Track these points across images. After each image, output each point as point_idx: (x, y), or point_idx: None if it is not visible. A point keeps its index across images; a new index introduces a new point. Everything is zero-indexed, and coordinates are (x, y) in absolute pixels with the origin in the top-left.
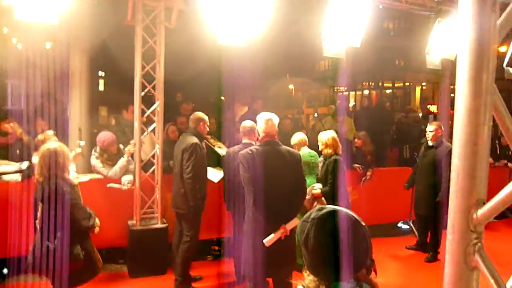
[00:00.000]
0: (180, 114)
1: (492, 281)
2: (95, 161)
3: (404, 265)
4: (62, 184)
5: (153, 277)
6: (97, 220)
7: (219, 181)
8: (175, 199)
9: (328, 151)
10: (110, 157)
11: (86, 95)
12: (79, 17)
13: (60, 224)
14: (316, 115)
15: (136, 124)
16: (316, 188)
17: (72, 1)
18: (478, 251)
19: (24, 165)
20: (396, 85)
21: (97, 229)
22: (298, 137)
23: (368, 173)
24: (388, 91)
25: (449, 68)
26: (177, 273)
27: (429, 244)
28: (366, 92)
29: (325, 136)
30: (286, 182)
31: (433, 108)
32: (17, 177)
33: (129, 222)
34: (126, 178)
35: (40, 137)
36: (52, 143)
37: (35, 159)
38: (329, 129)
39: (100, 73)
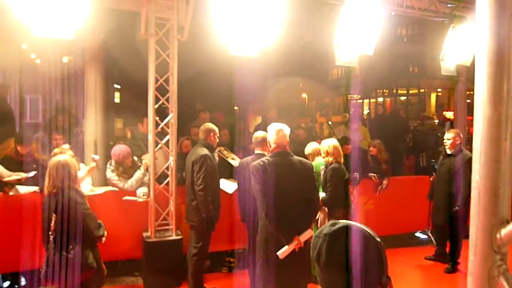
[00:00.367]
0: (194, 125)
1: None
2: (110, 174)
3: (423, 277)
4: (75, 195)
5: None
6: (105, 231)
7: (233, 192)
8: (187, 211)
9: (329, 159)
10: (126, 170)
11: (101, 108)
12: (94, 31)
13: (74, 234)
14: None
15: (150, 137)
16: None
17: (87, 17)
18: (503, 273)
19: (31, 174)
20: (410, 92)
21: (104, 239)
22: (312, 147)
23: (384, 182)
24: (402, 98)
25: (464, 74)
26: (190, 286)
27: (449, 254)
28: (380, 99)
29: (326, 144)
30: (299, 192)
31: (449, 114)
32: (33, 188)
33: (144, 234)
34: (141, 190)
35: (56, 150)
36: (62, 155)
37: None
38: (342, 138)
39: (116, 86)
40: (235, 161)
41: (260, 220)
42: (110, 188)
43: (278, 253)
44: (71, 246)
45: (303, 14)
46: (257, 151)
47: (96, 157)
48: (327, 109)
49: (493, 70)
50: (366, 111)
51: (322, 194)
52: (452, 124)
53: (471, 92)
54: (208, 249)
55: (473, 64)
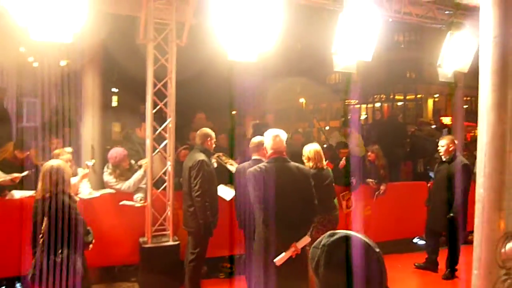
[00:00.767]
0: (193, 129)
1: None
2: (108, 177)
3: (421, 283)
4: (68, 200)
5: None
6: (93, 238)
7: (231, 199)
8: (185, 217)
9: (310, 164)
10: (123, 173)
11: (99, 111)
12: (92, 35)
13: (64, 239)
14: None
15: (148, 142)
16: None
17: (85, 21)
18: None
19: (24, 173)
20: (407, 97)
21: (91, 246)
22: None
23: (382, 188)
24: (399, 103)
25: (462, 80)
26: None
27: (447, 260)
28: (377, 105)
29: (307, 149)
30: (296, 199)
31: (446, 120)
32: (29, 193)
33: (141, 240)
34: (139, 195)
35: (56, 151)
36: (56, 160)
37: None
38: (339, 143)
39: (114, 90)
40: (233, 166)
41: (257, 226)
42: (107, 190)
43: (275, 259)
44: (59, 251)
45: (301, 20)
46: (254, 156)
47: (90, 163)
48: (324, 114)
49: (497, 82)
50: (363, 116)
51: None
52: (449, 130)
53: (468, 98)
54: (205, 255)
55: (470, 70)
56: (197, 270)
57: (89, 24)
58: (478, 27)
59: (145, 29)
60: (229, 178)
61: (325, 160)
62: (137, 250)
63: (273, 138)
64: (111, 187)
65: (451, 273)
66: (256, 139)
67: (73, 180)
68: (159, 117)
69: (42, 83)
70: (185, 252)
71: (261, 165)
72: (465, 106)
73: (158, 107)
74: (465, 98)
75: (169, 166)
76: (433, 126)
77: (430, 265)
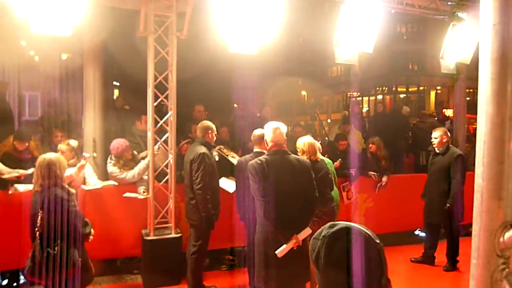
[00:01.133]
0: (194, 122)
1: None
2: (112, 168)
3: (422, 275)
4: (61, 192)
5: None
6: (92, 230)
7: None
8: (187, 210)
9: (304, 157)
10: (126, 163)
11: (100, 105)
12: (93, 28)
13: (60, 231)
14: (329, 121)
15: (149, 134)
16: None
17: (85, 13)
18: (506, 277)
19: (30, 171)
20: (410, 89)
21: (91, 238)
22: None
23: (384, 180)
24: (402, 95)
25: (464, 71)
26: (190, 284)
27: (447, 252)
28: (379, 97)
29: (302, 142)
30: (297, 191)
31: (448, 112)
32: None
33: (143, 232)
34: (142, 187)
35: (61, 146)
36: (50, 153)
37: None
38: (338, 134)
39: (115, 83)
40: (235, 159)
41: (258, 219)
42: (110, 182)
43: (277, 251)
44: (55, 243)
45: (303, 11)
46: (255, 149)
47: (87, 155)
48: (326, 107)
49: (497, 70)
50: (365, 109)
51: None
52: (452, 122)
53: (471, 90)
54: (207, 247)
55: (472, 62)
56: (199, 262)
57: (90, 17)
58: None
59: (145, 21)
60: (231, 171)
61: (323, 154)
62: (139, 242)
63: (273, 130)
64: (115, 177)
65: (452, 264)
66: (257, 132)
67: (70, 172)
68: (157, 111)
69: (43, 77)
70: (187, 245)
71: (261, 157)
72: (467, 98)
73: (159, 100)
74: (467, 90)
75: (171, 158)
76: (436, 118)
77: (427, 260)
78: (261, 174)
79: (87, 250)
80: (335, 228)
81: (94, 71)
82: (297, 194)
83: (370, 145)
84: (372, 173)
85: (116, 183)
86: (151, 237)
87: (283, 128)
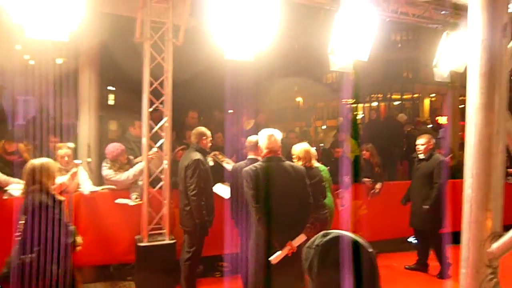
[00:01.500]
0: (187, 127)
1: None
2: (107, 172)
3: (416, 282)
4: (44, 199)
5: None
6: (78, 239)
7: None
8: (181, 216)
9: (299, 163)
10: (122, 166)
11: (95, 110)
12: (89, 33)
13: (38, 239)
14: (324, 127)
15: (144, 140)
16: None
17: (82, 19)
18: (495, 287)
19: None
20: (404, 96)
21: (78, 248)
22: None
23: (377, 186)
24: (396, 103)
25: (458, 80)
26: None
27: (437, 259)
28: (374, 104)
29: (298, 149)
30: (291, 197)
31: (442, 119)
32: None
33: (137, 238)
34: (134, 194)
35: (59, 145)
36: (39, 158)
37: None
38: (333, 142)
39: (110, 88)
40: (229, 165)
41: (252, 225)
42: (96, 188)
43: (271, 258)
44: (32, 251)
45: (299, 18)
46: (250, 155)
47: (79, 161)
48: (321, 113)
49: (485, 84)
50: (360, 115)
51: None
52: (446, 130)
53: (465, 98)
54: (201, 254)
55: (466, 70)
56: (193, 269)
57: (86, 22)
58: None
59: (142, 27)
60: (225, 177)
61: (319, 161)
62: (133, 248)
63: (268, 137)
64: (110, 179)
65: (443, 271)
66: (253, 138)
67: (62, 179)
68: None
69: (38, 81)
70: (181, 251)
71: (256, 164)
72: (461, 106)
73: (154, 106)
74: (460, 98)
75: (166, 164)
76: (430, 126)
77: (420, 267)
78: (255, 180)
79: (73, 260)
80: (328, 237)
81: (89, 76)
82: (291, 201)
83: (364, 152)
84: (366, 179)
85: (112, 187)
86: (145, 243)
87: (278, 135)
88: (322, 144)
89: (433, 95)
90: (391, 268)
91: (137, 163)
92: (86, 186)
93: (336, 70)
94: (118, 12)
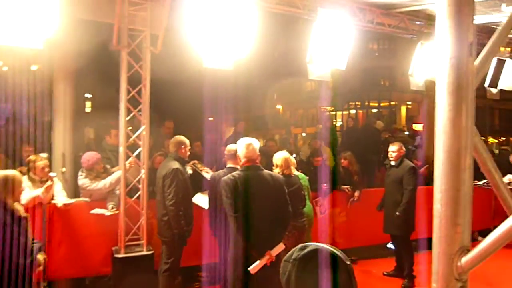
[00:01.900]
0: (164, 136)
1: None
2: (83, 181)
3: None
4: (2, 214)
5: None
6: (40, 257)
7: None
8: (159, 226)
9: (277, 170)
10: (98, 175)
11: (70, 118)
12: (64, 40)
13: None
14: (304, 134)
15: (121, 149)
16: None
17: (58, 26)
18: None
19: None
20: (381, 104)
21: (40, 268)
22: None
23: (356, 194)
24: (374, 110)
25: (433, 88)
26: None
27: (406, 266)
28: (352, 111)
29: (277, 157)
30: (270, 206)
31: (418, 127)
32: None
33: (113, 249)
34: (111, 204)
35: (32, 157)
36: (3, 171)
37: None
38: (313, 150)
39: (87, 95)
40: (208, 174)
41: (231, 235)
42: (68, 200)
43: (250, 268)
44: None
45: (277, 28)
46: (229, 164)
47: (53, 174)
48: (301, 120)
49: (453, 102)
50: (339, 123)
51: None
52: (422, 138)
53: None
54: (180, 264)
55: None
56: (172, 280)
57: (63, 29)
58: None
59: (119, 35)
60: (204, 186)
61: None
62: (109, 260)
63: (246, 146)
64: (86, 188)
65: (410, 281)
66: (232, 147)
67: (37, 192)
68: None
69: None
70: (159, 262)
71: (234, 173)
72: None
73: (132, 114)
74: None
75: (143, 174)
76: (406, 133)
77: (398, 273)
78: (233, 190)
79: (36, 278)
80: (305, 251)
81: (64, 83)
82: (270, 210)
83: (342, 160)
84: (345, 187)
85: (86, 199)
86: (122, 255)
87: (256, 143)
88: (294, 155)
89: (410, 103)
90: (370, 274)
91: (114, 172)
92: (60, 198)
93: (314, 78)
94: (95, 18)
